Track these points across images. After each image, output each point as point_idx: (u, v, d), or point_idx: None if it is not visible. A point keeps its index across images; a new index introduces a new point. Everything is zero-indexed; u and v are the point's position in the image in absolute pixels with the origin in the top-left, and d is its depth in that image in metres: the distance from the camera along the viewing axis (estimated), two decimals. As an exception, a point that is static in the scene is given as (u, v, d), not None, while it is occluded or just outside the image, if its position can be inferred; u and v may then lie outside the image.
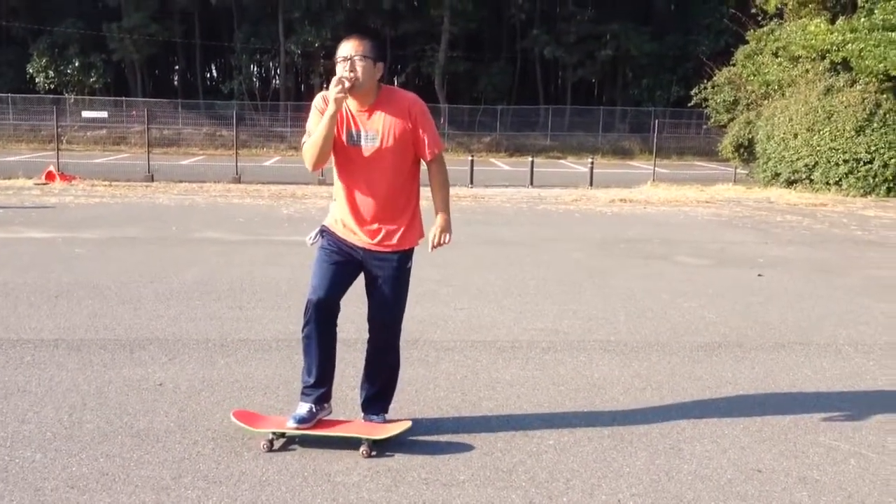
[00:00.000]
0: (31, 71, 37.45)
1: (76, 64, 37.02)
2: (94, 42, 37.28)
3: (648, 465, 3.56)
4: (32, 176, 17.87)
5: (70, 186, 16.67)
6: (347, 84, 3.43)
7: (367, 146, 3.56)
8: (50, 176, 17.61)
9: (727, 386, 4.68)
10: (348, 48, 3.48)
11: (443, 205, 3.71)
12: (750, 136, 20.53)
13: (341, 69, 3.47)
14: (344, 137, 3.56)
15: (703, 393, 4.55)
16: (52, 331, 5.48)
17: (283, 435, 3.68)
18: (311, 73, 40.14)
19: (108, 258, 8.41)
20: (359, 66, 3.45)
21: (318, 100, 3.62)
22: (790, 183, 18.58)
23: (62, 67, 37.15)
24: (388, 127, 3.54)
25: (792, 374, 4.95)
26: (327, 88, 3.53)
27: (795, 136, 18.33)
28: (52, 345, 5.15)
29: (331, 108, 3.46)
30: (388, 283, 3.67)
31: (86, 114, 31.35)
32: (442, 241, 3.71)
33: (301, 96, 39.80)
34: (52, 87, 37.27)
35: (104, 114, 32.25)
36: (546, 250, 9.68)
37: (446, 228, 3.71)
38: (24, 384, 4.39)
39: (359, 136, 3.56)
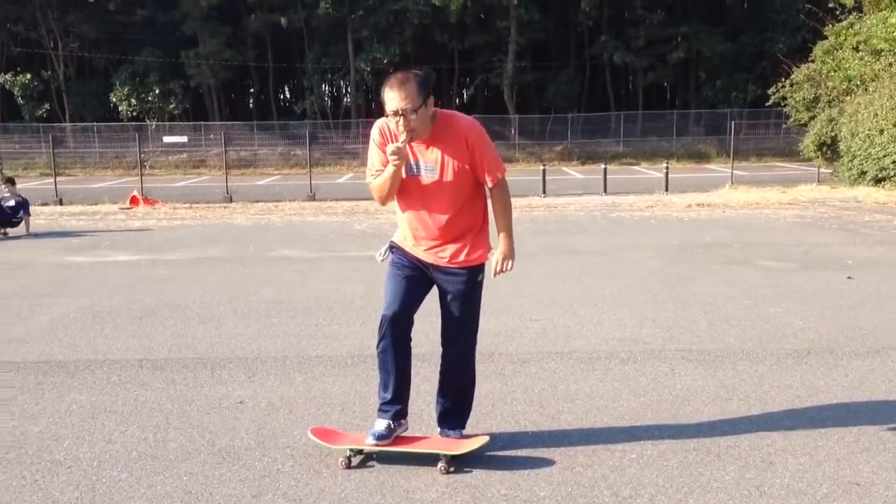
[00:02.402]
0: (114, 100, 39.10)
1: (156, 91, 38.48)
2: (173, 69, 38.69)
3: (738, 479, 3.41)
4: (118, 201, 18.59)
5: (153, 210, 17.25)
6: (405, 143, 3.41)
7: (427, 176, 3.53)
8: (134, 200, 18.28)
9: (819, 395, 4.47)
10: (395, 100, 3.37)
11: (506, 230, 3.65)
12: (833, 134, 19.79)
13: (394, 124, 3.43)
14: (403, 168, 3.52)
15: (793, 403, 4.35)
16: (136, 351, 5.63)
17: (360, 452, 3.67)
18: (381, 90, 40.67)
19: (190, 279, 8.63)
20: (412, 120, 3.38)
21: (375, 133, 3.59)
22: (878, 181, 17.80)
23: (143, 95, 38.65)
24: (447, 158, 3.50)
25: (889, 380, 4.69)
26: (384, 115, 3.50)
27: (882, 132, 17.57)
28: (136, 365, 5.28)
29: (390, 168, 3.45)
30: (459, 299, 3.63)
31: (167, 139, 32.45)
32: (504, 269, 3.65)
33: (372, 113, 40.27)
34: (135, 114, 38.80)
35: (184, 138, 33.33)
36: (621, 258, 9.49)
37: (509, 255, 3.65)
38: (110, 404, 4.51)
39: (418, 167, 3.53)
